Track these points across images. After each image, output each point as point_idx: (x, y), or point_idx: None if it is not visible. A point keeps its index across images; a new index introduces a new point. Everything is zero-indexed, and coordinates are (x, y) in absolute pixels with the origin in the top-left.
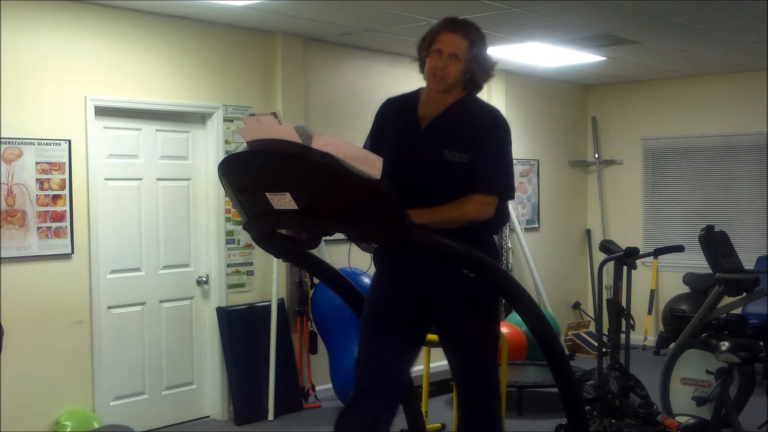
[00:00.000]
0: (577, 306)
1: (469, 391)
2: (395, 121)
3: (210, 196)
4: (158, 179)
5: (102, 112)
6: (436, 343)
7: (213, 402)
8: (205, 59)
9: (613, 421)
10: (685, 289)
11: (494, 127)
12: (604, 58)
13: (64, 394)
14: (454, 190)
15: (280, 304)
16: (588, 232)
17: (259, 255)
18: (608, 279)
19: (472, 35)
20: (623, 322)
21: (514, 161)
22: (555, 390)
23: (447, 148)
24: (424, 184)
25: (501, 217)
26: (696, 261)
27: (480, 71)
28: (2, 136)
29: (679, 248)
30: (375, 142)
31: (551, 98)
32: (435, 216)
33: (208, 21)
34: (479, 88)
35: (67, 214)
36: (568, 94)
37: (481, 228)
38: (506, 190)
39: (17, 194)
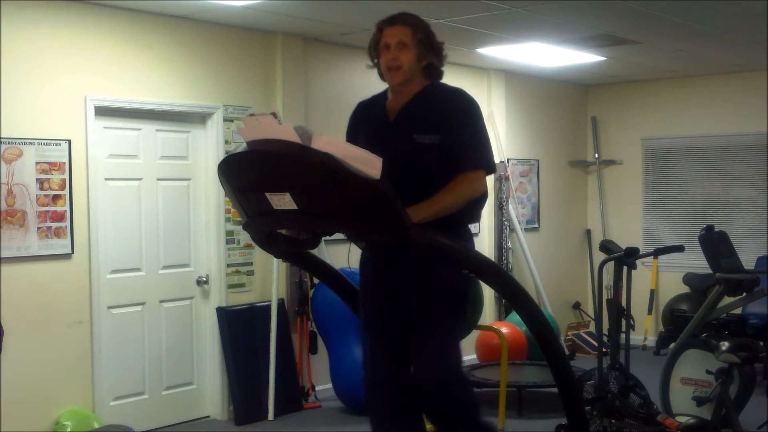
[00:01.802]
0: (577, 306)
1: (426, 368)
2: (366, 120)
3: (210, 196)
4: (158, 179)
5: (102, 112)
6: None
7: (213, 402)
8: (205, 59)
9: (613, 421)
10: (685, 289)
11: (464, 106)
12: (604, 58)
13: (64, 394)
14: (430, 172)
15: (280, 304)
16: (588, 232)
17: (259, 255)
18: (608, 279)
19: (412, 21)
20: (623, 322)
21: (514, 161)
22: (555, 390)
23: (416, 132)
24: (399, 173)
25: (482, 198)
26: (696, 261)
27: (432, 54)
28: (2, 136)
29: (679, 248)
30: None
31: (551, 98)
32: (432, 208)
33: (208, 21)
34: (440, 74)
35: (67, 214)
36: (568, 94)
37: (461, 216)
38: (487, 163)
39: (17, 194)
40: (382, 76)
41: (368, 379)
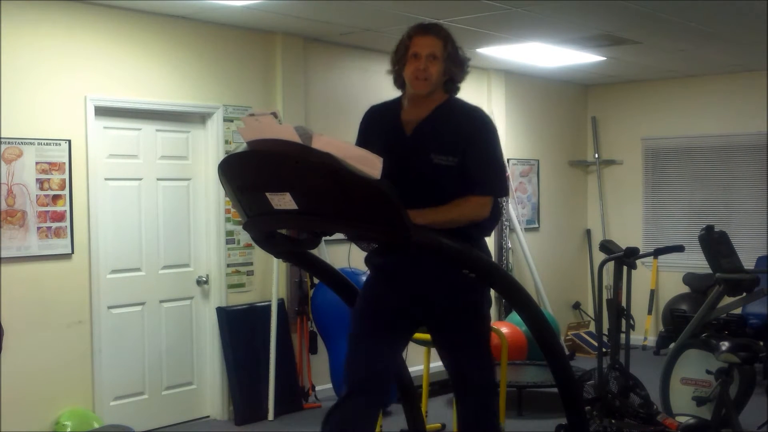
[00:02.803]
0: (577, 306)
1: (468, 390)
2: (380, 128)
3: (210, 196)
4: (158, 179)
5: (102, 112)
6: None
7: (213, 402)
8: (205, 59)
9: (613, 421)
10: (685, 289)
11: (481, 127)
12: (604, 58)
13: (64, 394)
14: (444, 192)
15: (280, 304)
16: (588, 232)
17: (259, 255)
18: (608, 279)
19: (443, 34)
20: (623, 322)
21: (514, 161)
22: (555, 390)
23: (434, 151)
24: (413, 189)
25: (494, 217)
26: (696, 261)
27: (457, 69)
28: (2, 136)
29: (679, 248)
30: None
31: (551, 98)
32: (435, 217)
33: (208, 21)
34: (457, 88)
35: (67, 214)
36: (568, 94)
37: (474, 230)
38: (499, 189)
39: (17, 194)
40: (398, 84)
41: (359, 372)
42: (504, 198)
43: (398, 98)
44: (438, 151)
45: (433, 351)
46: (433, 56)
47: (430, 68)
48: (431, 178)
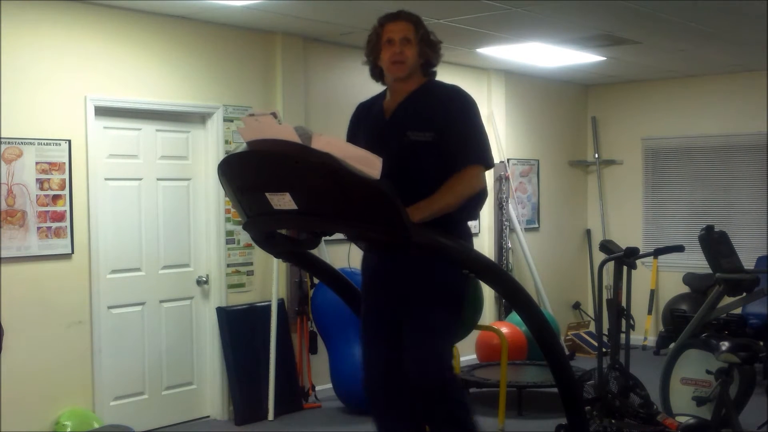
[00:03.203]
0: (577, 306)
1: (421, 377)
2: (365, 120)
3: (210, 196)
4: (158, 179)
5: (102, 112)
6: None
7: (213, 402)
8: (205, 59)
9: (613, 421)
10: (685, 289)
11: (461, 102)
12: (604, 58)
13: (64, 394)
14: (423, 170)
15: (280, 304)
16: (588, 232)
17: (259, 255)
18: (608, 279)
19: (414, 19)
20: (623, 322)
21: (514, 161)
22: (555, 390)
23: (411, 129)
24: (395, 169)
25: (482, 195)
26: (696, 261)
27: (431, 51)
28: (2, 136)
29: (679, 248)
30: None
31: (551, 98)
32: (431, 207)
33: (208, 21)
34: (434, 73)
35: (67, 214)
36: (568, 94)
37: (459, 214)
38: (486, 159)
39: (17, 194)
40: (375, 74)
41: (367, 378)
42: (491, 170)
43: (383, 91)
44: (414, 128)
45: None
46: (406, 39)
47: (405, 51)
48: (409, 156)
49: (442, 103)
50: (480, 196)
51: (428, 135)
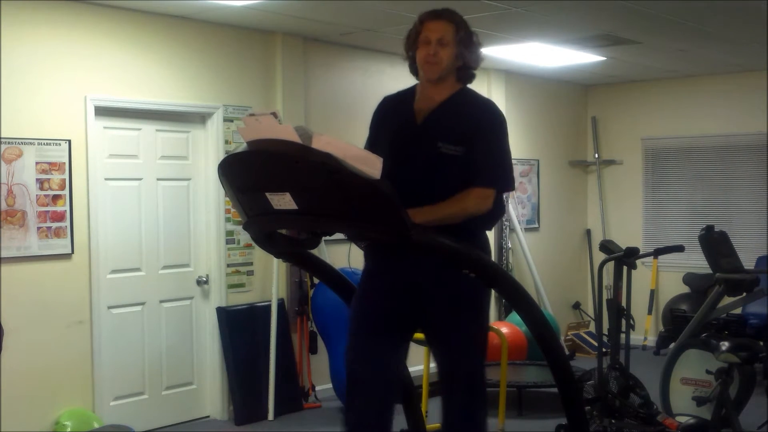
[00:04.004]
0: (577, 306)
1: (452, 393)
2: (392, 117)
3: (210, 196)
4: (158, 179)
5: (102, 112)
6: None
7: (213, 402)
8: (205, 59)
9: (613, 421)
10: (685, 289)
11: (491, 120)
12: (604, 58)
13: (64, 394)
14: (450, 183)
15: (280, 304)
16: (588, 232)
17: (259, 255)
18: (608, 279)
19: (456, 19)
20: (623, 322)
21: (514, 161)
22: (555, 390)
23: (442, 140)
24: (420, 178)
25: (496, 212)
26: (696, 261)
27: (470, 55)
28: (2, 136)
29: (679, 248)
30: (373, 140)
31: (551, 98)
32: (435, 213)
33: (208, 21)
34: (472, 76)
35: (67, 214)
36: (568, 94)
37: (474, 224)
38: (505, 183)
39: (17, 194)
40: (413, 71)
41: (355, 373)
42: (508, 193)
43: (413, 87)
44: (446, 140)
45: None
46: (443, 41)
47: (440, 53)
48: (437, 167)
49: (475, 117)
50: (497, 213)
51: (459, 149)
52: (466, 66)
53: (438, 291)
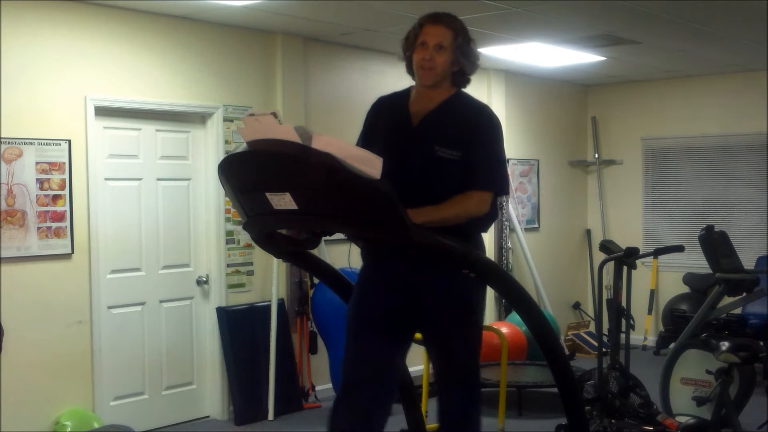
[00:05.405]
0: (577, 306)
1: (448, 392)
2: (386, 118)
3: (210, 196)
4: (158, 179)
5: (102, 112)
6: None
7: (213, 402)
8: (205, 59)
9: (613, 421)
10: (685, 289)
11: (487, 124)
12: (604, 58)
13: (64, 394)
14: (446, 186)
15: (280, 304)
16: (588, 232)
17: (259, 255)
18: (608, 279)
19: (455, 25)
20: (623, 322)
21: (514, 161)
22: (555, 390)
23: (438, 144)
24: (415, 181)
25: (492, 215)
26: (696, 261)
27: (466, 61)
28: (2, 136)
29: (679, 248)
30: (366, 141)
31: (551, 98)
32: (434, 214)
33: (208, 21)
34: (467, 81)
35: (67, 214)
36: (568, 94)
37: (471, 227)
38: (501, 186)
39: (17, 194)
40: (410, 72)
41: (352, 372)
42: (502, 197)
43: (407, 89)
44: (442, 144)
45: None
46: (440, 46)
47: (435, 58)
48: (434, 171)
49: (470, 121)
50: (491, 215)
51: (455, 153)
52: (461, 72)
53: (432, 291)
